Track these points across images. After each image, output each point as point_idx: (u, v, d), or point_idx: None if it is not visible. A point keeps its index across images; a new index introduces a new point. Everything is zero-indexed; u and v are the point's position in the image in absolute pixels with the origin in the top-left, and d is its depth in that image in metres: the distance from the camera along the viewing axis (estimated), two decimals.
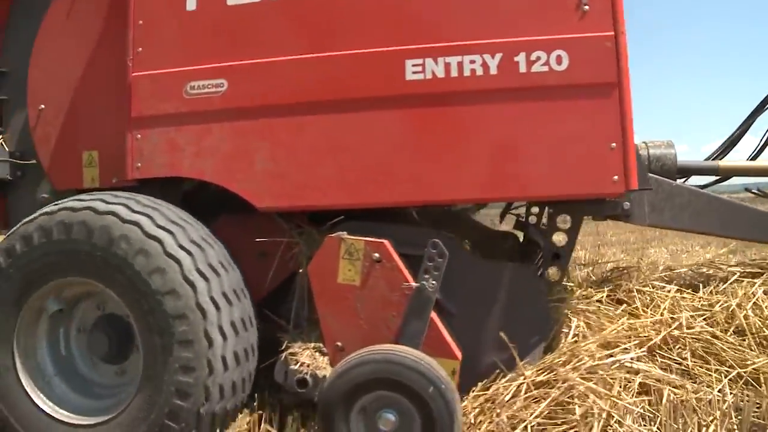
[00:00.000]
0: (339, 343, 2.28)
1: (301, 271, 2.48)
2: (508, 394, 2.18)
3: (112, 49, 2.66)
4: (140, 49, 2.51)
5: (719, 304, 2.63)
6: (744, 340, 2.48)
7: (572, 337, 2.36)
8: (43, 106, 2.80)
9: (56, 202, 2.34)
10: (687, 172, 2.93)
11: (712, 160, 3.06)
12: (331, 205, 2.36)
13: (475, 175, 2.24)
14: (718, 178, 3.13)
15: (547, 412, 2.10)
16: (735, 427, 2.07)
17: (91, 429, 2.21)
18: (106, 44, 2.71)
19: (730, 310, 2.57)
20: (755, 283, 2.72)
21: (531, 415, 2.08)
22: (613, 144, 2.14)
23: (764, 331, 2.48)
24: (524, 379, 2.19)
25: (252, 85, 2.39)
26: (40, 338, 2.37)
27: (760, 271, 2.88)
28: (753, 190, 3.24)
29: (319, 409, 2.02)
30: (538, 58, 2.19)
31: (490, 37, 2.22)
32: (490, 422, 2.14)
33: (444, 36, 2.25)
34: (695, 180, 3.06)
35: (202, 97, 2.43)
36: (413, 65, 2.27)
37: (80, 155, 2.78)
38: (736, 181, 3.19)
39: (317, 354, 2.28)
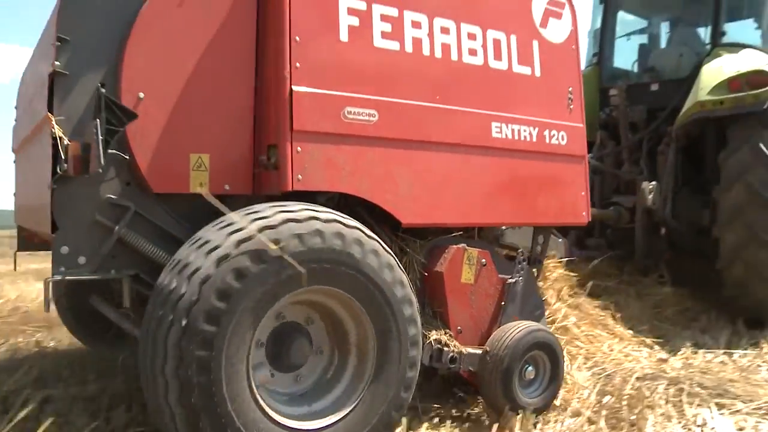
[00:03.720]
0: (459, 327, 3.00)
1: (409, 275, 3.01)
2: None
3: (239, 45, 2.65)
4: (298, 64, 2.62)
5: None
6: None
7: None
8: (143, 94, 2.44)
9: (297, 211, 2.30)
10: None
11: None
12: (450, 223, 3.06)
13: (521, 206, 3.32)
14: None
15: None
16: None
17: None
18: (231, 38, 2.63)
19: None
20: None
21: None
22: (583, 192, 3.59)
23: None
24: None
25: (397, 120, 2.86)
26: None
27: None
28: None
29: (504, 365, 2.81)
30: (554, 135, 3.45)
31: (530, 114, 3.35)
32: None
33: (512, 109, 3.27)
34: None
35: (357, 123, 2.75)
36: (495, 127, 3.21)
37: (187, 157, 2.55)
38: None
39: (448, 338, 2.93)
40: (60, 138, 2.29)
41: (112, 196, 2.45)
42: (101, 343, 4.01)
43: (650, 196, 4.99)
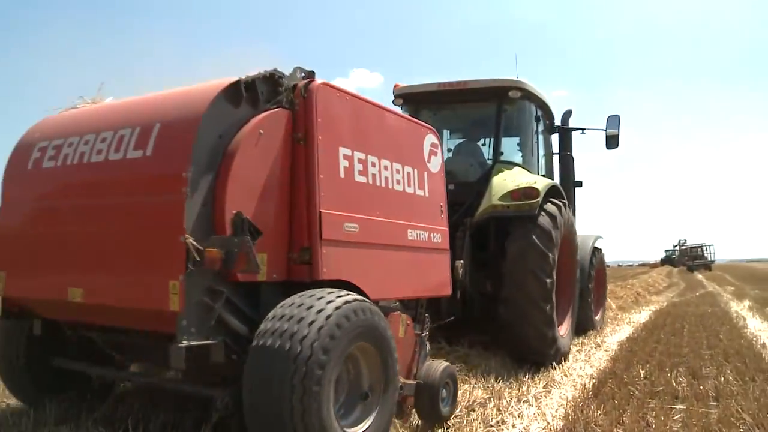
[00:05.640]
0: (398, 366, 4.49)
1: None
2: None
3: (283, 176, 3.87)
4: (323, 193, 3.94)
5: None
6: None
7: None
8: (235, 211, 3.50)
9: (345, 296, 3.57)
10: None
11: None
12: (393, 297, 4.57)
13: (421, 284, 5.00)
14: None
15: None
16: None
17: None
18: (280, 171, 3.84)
19: None
20: None
21: None
22: (448, 274, 5.40)
23: None
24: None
25: (368, 230, 4.32)
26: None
27: None
28: None
29: (434, 390, 4.37)
30: (434, 236, 5.23)
31: (424, 222, 5.08)
32: None
33: (415, 220, 4.95)
34: None
35: (350, 233, 4.15)
36: (410, 232, 4.86)
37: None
38: None
39: None
40: (192, 245, 3.26)
41: (213, 284, 3.44)
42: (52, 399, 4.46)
43: (461, 271, 7.10)
